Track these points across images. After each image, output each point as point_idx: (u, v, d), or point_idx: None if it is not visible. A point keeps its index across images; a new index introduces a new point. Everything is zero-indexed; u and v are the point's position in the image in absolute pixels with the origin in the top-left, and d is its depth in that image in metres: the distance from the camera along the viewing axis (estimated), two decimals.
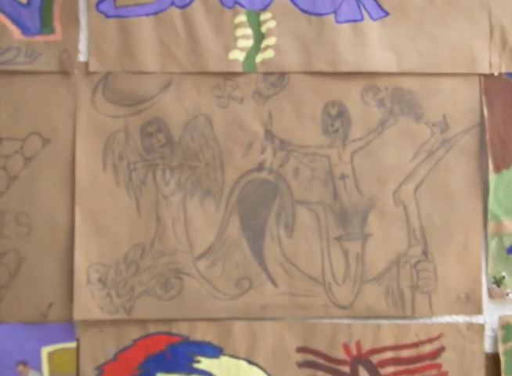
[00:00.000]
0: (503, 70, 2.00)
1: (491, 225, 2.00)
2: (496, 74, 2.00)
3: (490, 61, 1.99)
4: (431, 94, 1.98)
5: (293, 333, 1.96)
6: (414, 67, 1.97)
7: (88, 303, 1.90)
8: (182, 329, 1.94)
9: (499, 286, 2.01)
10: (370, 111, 1.97)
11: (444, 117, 1.98)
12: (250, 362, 1.95)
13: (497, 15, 1.99)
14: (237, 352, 1.95)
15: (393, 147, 1.97)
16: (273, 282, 1.94)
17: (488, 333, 2.02)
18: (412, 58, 1.97)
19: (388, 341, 1.98)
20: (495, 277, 2.01)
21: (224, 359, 1.95)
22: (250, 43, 1.94)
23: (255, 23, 1.94)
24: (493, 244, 2.01)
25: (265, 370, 1.95)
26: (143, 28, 1.92)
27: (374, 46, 1.96)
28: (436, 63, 1.97)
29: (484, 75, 1.99)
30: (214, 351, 1.95)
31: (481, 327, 2.00)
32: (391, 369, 1.99)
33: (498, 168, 2.00)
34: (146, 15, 1.93)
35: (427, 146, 1.98)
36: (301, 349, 1.96)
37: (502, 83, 2.00)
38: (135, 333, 1.93)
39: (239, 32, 1.94)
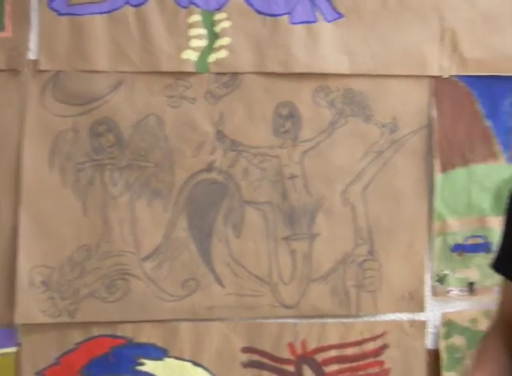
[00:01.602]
0: (453, 73, 2.01)
1: (436, 225, 2.03)
2: (446, 76, 2.01)
3: (440, 64, 2.00)
4: (381, 95, 1.98)
5: (239, 333, 1.95)
6: (366, 69, 1.96)
7: (30, 307, 1.84)
8: (127, 331, 1.90)
9: (442, 284, 2.04)
10: (321, 112, 1.96)
11: (393, 118, 1.99)
12: (195, 363, 1.93)
13: (448, 19, 2.00)
14: (182, 353, 1.93)
15: (342, 148, 1.97)
16: (220, 283, 1.93)
17: (430, 330, 2.05)
18: (365, 60, 1.96)
19: (333, 339, 1.99)
20: (438, 275, 2.04)
21: (168, 360, 1.92)
22: (203, 43, 1.90)
23: (209, 23, 1.90)
24: (438, 242, 2.04)
25: (209, 371, 1.94)
26: (96, 27, 1.87)
27: (327, 48, 1.94)
28: (387, 65, 1.97)
29: (434, 77, 2.01)
30: (159, 353, 1.92)
31: (424, 324, 2.04)
32: (335, 367, 2.00)
33: (444, 169, 2.03)
34: (100, 13, 1.87)
35: (376, 146, 1.98)
36: (246, 349, 1.96)
37: (451, 85, 2.02)
38: (78, 336, 1.88)
39: (193, 32, 1.90)
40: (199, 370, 1.93)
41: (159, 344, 1.92)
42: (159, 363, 1.92)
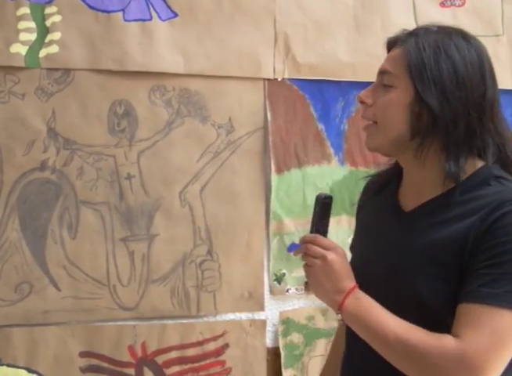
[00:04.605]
0: (286, 76, 2.06)
1: (273, 225, 2.07)
2: (280, 79, 2.06)
3: (274, 66, 2.05)
4: (218, 96, 2.00)
5: (77, 337, 1.90)
6: (201, 69, 1.98)
7: None
8: None
9: (279, 283, 2.09)
10: (157, 111, 1.95)
11: (230, 119, 2.01)
12: (31, 370, 1.87)
13: (282, 23, 2.05)
14: (16, 360, 1.85)
15: (180, 148, 1.97)
16: (55, 285, 1.87)
17: (269, 328, 2.09)
18: (200, 60, 1.97)
19: (174, 340, 1.98)
20: (276, 275, 2.08)
21: (1, 368, 1.84)
22: (33, 37, 1.83)
23: (39, 17, 1.84)
24: (275, 242, 2.08)
25: None
26: None
27: (162, 47, 1.93)
28: (223, 66, 1.99)
29: (269, 80, 2.05)
30: None
31: (263, 322, 2.07)
32: (176, 368, 2.00)
33: (280, 170, 2.08)
34: None
35: (213, 147, 2.00)
36: (84, 354, 1.91)
37: (284, 88, 2.07)
38: None
39: (22, 25, 1.83)
40: None
41: None
42: None
